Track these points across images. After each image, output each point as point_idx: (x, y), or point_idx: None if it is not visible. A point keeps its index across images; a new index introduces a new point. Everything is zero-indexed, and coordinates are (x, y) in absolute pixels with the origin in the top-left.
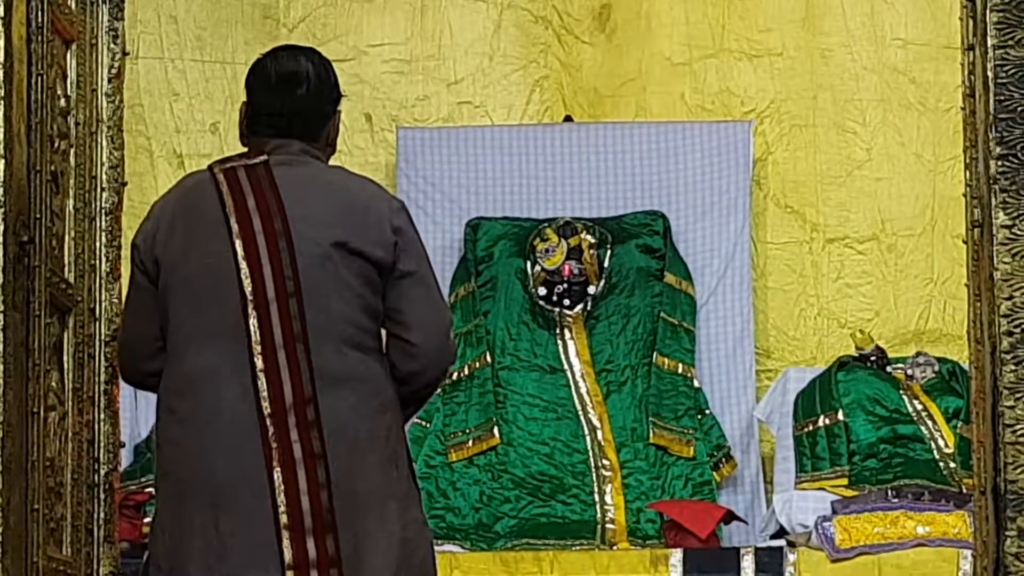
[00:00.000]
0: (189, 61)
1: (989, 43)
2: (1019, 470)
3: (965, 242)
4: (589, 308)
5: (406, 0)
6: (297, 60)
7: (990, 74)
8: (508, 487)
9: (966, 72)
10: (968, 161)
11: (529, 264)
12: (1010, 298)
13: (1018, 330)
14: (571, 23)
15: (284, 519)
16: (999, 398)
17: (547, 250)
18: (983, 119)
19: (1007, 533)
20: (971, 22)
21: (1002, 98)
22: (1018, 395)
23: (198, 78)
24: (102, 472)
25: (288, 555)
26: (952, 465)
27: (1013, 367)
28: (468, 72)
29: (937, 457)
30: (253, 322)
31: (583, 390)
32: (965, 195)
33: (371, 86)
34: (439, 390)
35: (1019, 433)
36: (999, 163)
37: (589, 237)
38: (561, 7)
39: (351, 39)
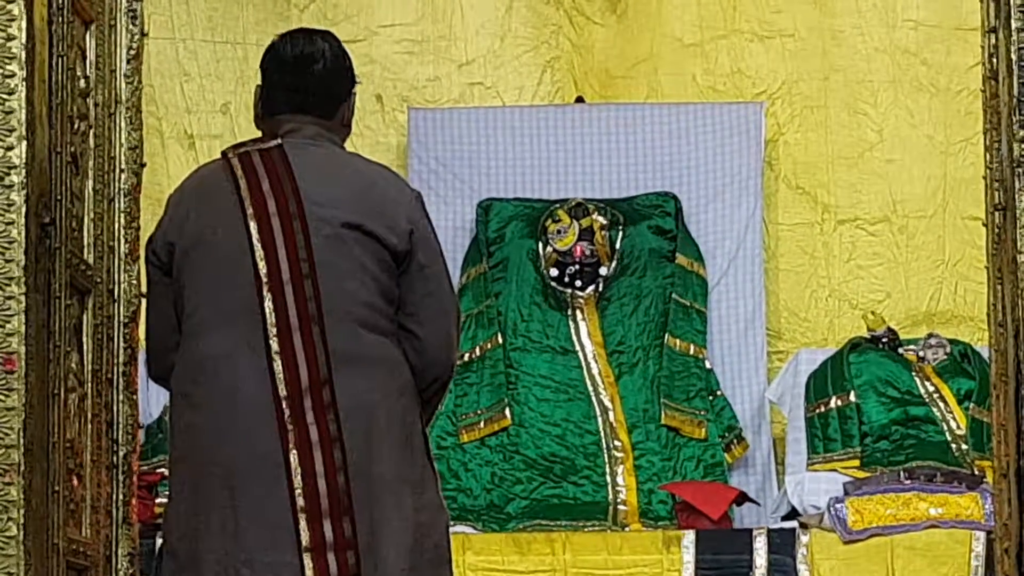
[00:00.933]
0: (200, 41)
1: (1013, 25)
2: None
3: (985, 224)
4: (601, 289)
5: None
6: (313, 41)
7: (1014, 56)
8: (520, 468)
9: (987, 54)
10: (989, 143)
11: (541, 245)
12: None
13: None
14: (582, 4)
15: (301, 502)
16: (1023, 380)
17: (559, 231)
18: (1006, 101)
19: None
20: (993, 4)
21: None
22: None
23: (209, 58)
24: (121, 453)
25: (305, 538)
26: (964, 447)
27: None
28: (479, 53)
29: (949, 439)
30: (268, 304)
31: (595, 371)
32: (986, 177)
33: (382, 67)
34: None
35: None
36: (1023, 146)
37: (601, 218)
38: None
39: (362, 19)
